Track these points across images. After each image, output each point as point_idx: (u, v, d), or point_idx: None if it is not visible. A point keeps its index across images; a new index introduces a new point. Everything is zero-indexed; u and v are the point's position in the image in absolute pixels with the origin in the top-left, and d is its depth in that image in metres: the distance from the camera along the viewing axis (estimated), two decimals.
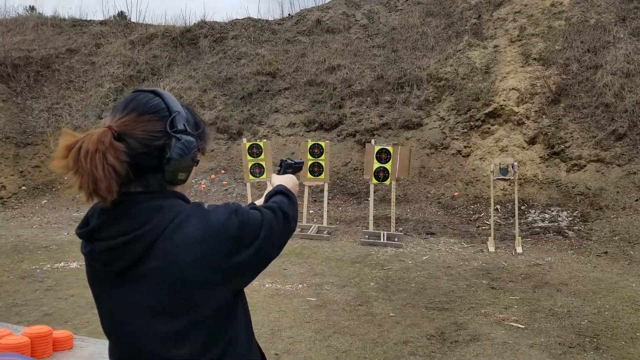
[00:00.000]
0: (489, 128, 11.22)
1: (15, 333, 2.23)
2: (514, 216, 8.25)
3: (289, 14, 17.06)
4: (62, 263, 6.63)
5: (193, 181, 10.06)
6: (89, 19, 17.35)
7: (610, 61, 10.80)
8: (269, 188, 1.47)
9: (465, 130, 11.34)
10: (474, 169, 10.77)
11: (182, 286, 1.04)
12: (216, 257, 1.05)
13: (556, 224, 8.86)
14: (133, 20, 18.06)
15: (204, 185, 11.23)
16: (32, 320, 4.47)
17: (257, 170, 8.90)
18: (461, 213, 9.77)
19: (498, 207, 9.59)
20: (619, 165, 9.37)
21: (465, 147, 11.18)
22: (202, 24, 16.22)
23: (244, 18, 16.54)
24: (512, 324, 4.77)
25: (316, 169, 8.90)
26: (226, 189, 11.17)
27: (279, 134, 12.36)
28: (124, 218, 1.06)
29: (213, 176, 11.55)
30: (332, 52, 13.84)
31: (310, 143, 9.05)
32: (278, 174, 1.57)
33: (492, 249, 7.78)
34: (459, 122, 11.47)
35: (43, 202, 11.11)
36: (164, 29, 16.06)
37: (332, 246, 7.90)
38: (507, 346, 4.22)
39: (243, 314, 1.19)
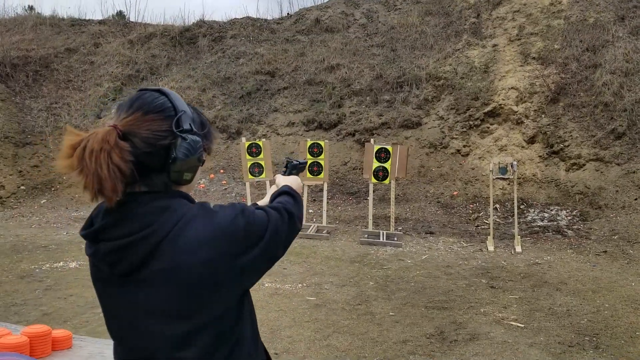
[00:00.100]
0: (488, 127, 11.22)
1: (14, 332, 2.23)
2: (513, 215, 8.26)
3: (288, 13, 17.06)
4: (61, 263, 6.63)
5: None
6: (87, 18, 17.34)
7: (609, 60, 10.81)
8: (271, 188, 1.47)
9: (464, 129, 11.33)
10: (473, 168, 10.77)
11: (189, 288, 1.03)
12: (223, 258, 1.05)
13: (555, 223, 8.86)
14: (132, 19, 18.05)
15: (202, 185, 11.22)
16: (31, 319, 4.47)
17: (256, 169, 8.90)
18: (460, 212, 9.76)
19: (497, 206, 9.59)
20: (618, 164, 9.37)
21: (464, 146, 11.18)
22: (201, 23, 16.21)
23: (243, 17, 16.54)
24: (511, 323, 4.77)
25: (315, 169, 8.90)
26: (225, 189, 11.16)
27: (278, 134, 12.35)
28: (129, 218, 1.05)
29: (212, 176, 11.54)
30: (331, 52, 13.83)
31: (309, 142, 9.04)
32: (284, 174, 1.57)
33: (491, 248, 7.78)
34: (458, 122, 11.46)
35: (42, 202, 11.10)
36: (162, 29, 16.04)
37: (332, 245, 7.90)
38: (506, 345, 4.23)
39: (249, 314, 1.19)
